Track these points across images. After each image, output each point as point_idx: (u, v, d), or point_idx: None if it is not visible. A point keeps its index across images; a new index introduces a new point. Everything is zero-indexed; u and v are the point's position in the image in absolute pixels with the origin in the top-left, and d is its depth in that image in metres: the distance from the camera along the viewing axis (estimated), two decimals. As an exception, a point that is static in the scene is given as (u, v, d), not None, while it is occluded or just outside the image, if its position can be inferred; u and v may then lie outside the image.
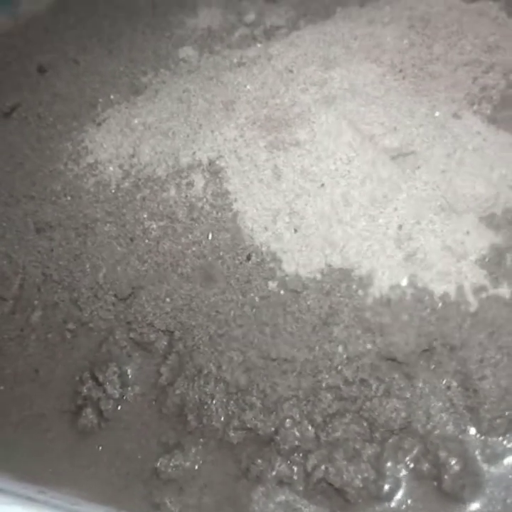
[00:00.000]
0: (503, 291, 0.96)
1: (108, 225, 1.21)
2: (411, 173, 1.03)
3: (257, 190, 1.08)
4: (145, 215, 1.17)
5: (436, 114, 1.07)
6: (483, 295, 0.96)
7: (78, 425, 1.10)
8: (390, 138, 1.04)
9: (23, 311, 1.22)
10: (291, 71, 1.19)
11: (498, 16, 1.25)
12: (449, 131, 1.06)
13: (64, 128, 1.41)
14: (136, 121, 1.30)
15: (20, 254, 1.26)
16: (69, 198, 1.27)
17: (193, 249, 1.12)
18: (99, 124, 1.37)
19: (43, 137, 1.41)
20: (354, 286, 1.00)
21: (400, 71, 1.12)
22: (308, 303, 1.01)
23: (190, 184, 1.15)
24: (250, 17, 1.47)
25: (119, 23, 1.60)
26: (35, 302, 1.22)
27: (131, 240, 1.16)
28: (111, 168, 1.26)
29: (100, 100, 1.43)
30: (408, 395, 0.97)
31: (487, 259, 0.97)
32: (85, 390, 1.12)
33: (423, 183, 1.02)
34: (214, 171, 1.13)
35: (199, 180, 1.14)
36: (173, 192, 1.16)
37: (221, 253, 1.09)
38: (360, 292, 0.99)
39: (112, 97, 1.43)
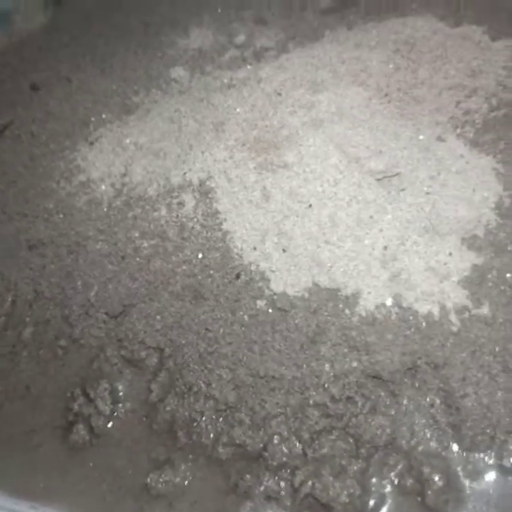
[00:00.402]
0: (485, 311, 0.98)
1: (100, 243, 1.22)
2: (396, 195, 1.06)
3: (246, 210, 1.11)
4: (136, 234, 1.19)
5: (421, 137, 1.10)
6: (466, 315, 0.98)
7: (69, 441, 1.11)
8: (376, 160, 1.07)
9: (15, 328, 1.23)
10: (279, 94, 1.21)
11: (481, 41, 1.28)
12: (432, 154, 1.08)
13: (57, 146, 1.43)
14: (127, 140, 1.32)
15: (13, 271, 1.27)
16: (61, 215, 1.29)
17: (184, 267, 1.14)
18: (91, 143, 1.39)
19: (35, 155, 1.43)
20: (341, 306, 1.02)
21: (386, 95, 1.15)
22: (296, 321, 1.03)
23: (180, 204, 1.17)
24: (240, 39, 1.50)
25: (112, 43, 1.62)
26: (27, 319, 1.23)
27: (123, 258, 1.18)
28: (103, 187, 1.28)
29: (92, 119, 1.46)
30: (393, 412, 0.98)
31: (469, 280, 1.00)
32: (76, 407, 1.13)
33: (407, 205, 1.05)
34: (204, 192, 1.16)
35: (189, 200, 1.16)
36: (164, 211, 1.18)
37: (211, 272, 1.12)
38: (347, 311, 1.01)
39: (104, 116, 1.45)
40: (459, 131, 1.12)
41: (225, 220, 1.12)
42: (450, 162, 1.07)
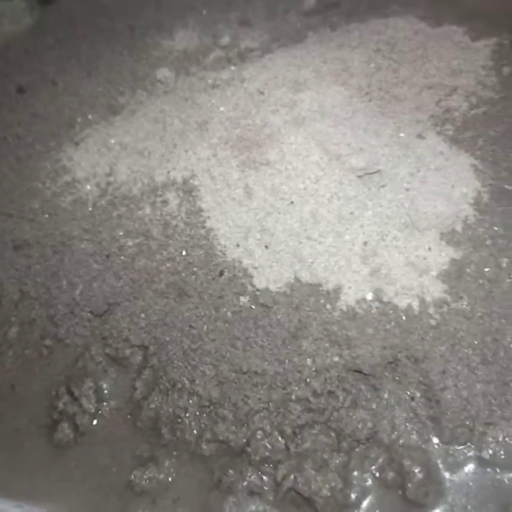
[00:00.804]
0: (463, 304, 0.99)
1: (85, 242, 1.23)
2: (376, 192, 1.07)
3: (229, 208, 1.12)
4: (121, 233, 1.20)
5: (401, 134, 1.11)
6: (445, 309, 0.99)
7: (54, 439, 1.11)
8: (357, 158, 1.08)
9: (0, 328, 1.23)
10: (262, 93, 1.23)
11: (461, 41, 1.30)
12: (412, 152, 1.10)
13: (42, 147, 1.43)
14: (113, 141, 1.33)
15: (-2, 271, 1.28)
16: (46, 215, 1.29)
17: (168, 265, 1.14)
18: (77, 144, 1.39)
19: (21, 156, 1.43)
20: (322, 301, 1.03)
21: (367, 94, 1.16)
22: (279, 317, 1.04)
23: (164, 202, 1.18)
24: (225, 40, 1.51)
25: (98, 45, 1.63)
26: (13, 319, 1.23)
27: (107, 256, 1.19)
28: (88, 187, 1.29)
29: (78, 120, 1.46)
30: (374, 406, 0.99)
31: (448, 275, 1.01)
32: (61, 405, 1.13)
33: (388, 201, 1.06)
34: (188, 190, 1.17)
35: (173, 199, 1.17)
36: (148, 210, 1.19)
37: (194, 269, 1.12)
38: (328, 306, 1.02)
39: (89, 117, 1.46)
40: (438, 129, 1.13)
41: (209, 217, 1.13)
42: (430, 159, 1.09)
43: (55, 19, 1.74)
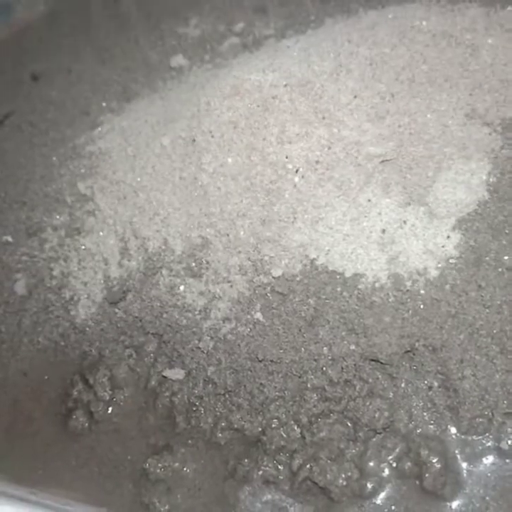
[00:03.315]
0: (482, 293, 0.98)
1: (100, 227, 1.23)
2: (395, 179, 1.05)
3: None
4: (135, 219, 1.19)
5: (419, 121, 1.09)
6: (463, 297, 0.98)
7: (69, 427, 1.12)
8: (376, 144, 1.06)
9: (15, 316, 1.24)
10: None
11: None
12: (434, 139, 1.08)
13: (57, 135, 1.43)
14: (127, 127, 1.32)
15: (12, 259, 1.28)
16: (61, 202, 1.30)
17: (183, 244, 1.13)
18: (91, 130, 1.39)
19: (35, 144, 1.44)
20: (339, 289, 1.02)
21: (396, 79, 1.13)
22: (295, 305, 1.03)
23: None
24: (240, 26, 1.50)
25: (112, 33, 1.62)
26: (27, 306, 1.23)
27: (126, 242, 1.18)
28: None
29: (93, 108, 1.46)
30: (391, 395, 0.98)
31: (467, 263, 1.00)
32: (76, 393, 1.13)
33: (407, 188, 1.05)
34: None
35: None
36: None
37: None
38: (345, 294, 1.01)
39: (104, 104, 1.46)
40: (465, 119, 1.10)
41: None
42: (450, 148, 1.07)
43: (69, 6, 1.73)
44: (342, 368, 1.00)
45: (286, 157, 1.04)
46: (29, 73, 1.60)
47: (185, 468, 1.04)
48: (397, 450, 0.96)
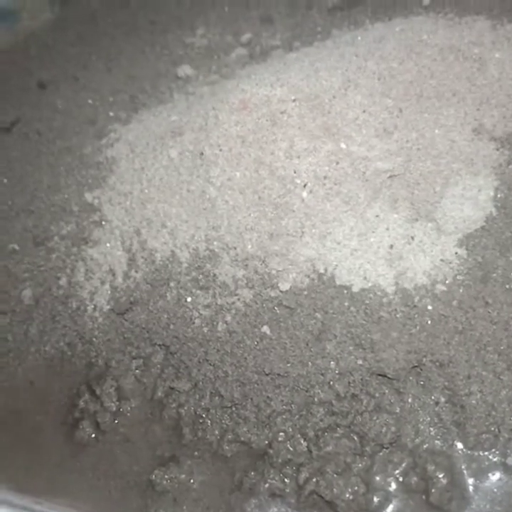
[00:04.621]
0: (489, 309, 0.98)
1: (107, 238, 1.23)
2: (403, 194, 1.06)
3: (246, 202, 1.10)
4: (145, 229, 1.19)
5: (427, 137, 1.10)
6: (471, 313, 0.99)
7: (75, 438, 1.12)
8: (384, 159, 1.07)
9: (22, 325, 1.24)
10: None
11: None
12: (441, 155, 1.08)
13: (64, 144, 1.43)
14: (134, 138, 1.33)
15: (19, 268, 1.28)
16: (68, 211, 1.30)
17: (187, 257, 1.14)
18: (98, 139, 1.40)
19: (42, 153, 1.44)
20: (346, 303, 1.02)
21: (404, 94, 1.13)
22: (302, 319, 1.03)
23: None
24: (247, 37, 1.50)
25: (119, 41, 1.63)
26: (34, 315, 1.24)
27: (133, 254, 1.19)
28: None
29: (100, 117, 1.46)
30: (398, 410, 0.99)
31: (475, 279, 1.00)
32: (82, 403, 1.14)
33: (414, 204, 1.05)
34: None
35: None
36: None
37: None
38: (352, 309, 1.02)
39: (111, 114, 1.46)
40: (473, 134, 1.10)
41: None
42: (457, 163, 1.07)
43: (76, 14, 1.74)
44: (349, 383, 1.00)
45: (295, 172, 1.05)
46: (36, 81, 1.60)
47: (191, 480, 1.04)
48: (404, 465, 0.97)
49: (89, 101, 1.51)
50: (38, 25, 1.74)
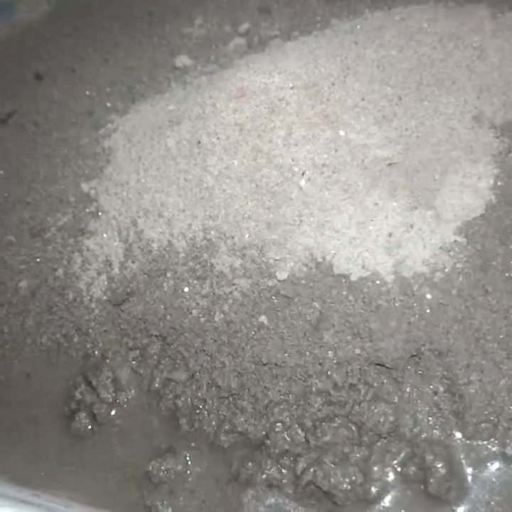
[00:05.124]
0: (489, 298, 0.98)
1: (103, 229, 1.22)
2: (402, 182, 1.05)
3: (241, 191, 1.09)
4: (141, 219, 1.19)
5: (427, 125, 1.09)
6: (470, 302, 0.98)
7: (71, 429, 1.11)
8: (383, 147, 1.06)
9: (18, 316, 1.23)
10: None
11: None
12: (441, 142, 1.07)
13: (60, 135, 1.42)
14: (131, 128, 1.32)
15: (15, 260, 1.28)
16: (64, 202, 1.29)
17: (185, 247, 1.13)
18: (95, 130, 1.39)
19: (39, 144, 1.43)
20: (344, 292, 1.02)
21: (404, 82, 1.12)
22: (300, 308, 1.03)
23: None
24: (245, 27, 1.49)
25: (115, 32, 1.61)
26: (30, 307, 1.23)
27: (130, 245, 1.18)
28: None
29: (97, 108, 1.45)
30: (396, 400, 0.98)
31: (474, 267, 0.99)
32: (79, 395, 1.13)
33: (413, 192, 1.04)
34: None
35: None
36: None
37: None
38: (351, 298, 1.01)
39: (108, 104, 1.45)
40: (473, 123, 1.09)
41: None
42: (457, 151, 1.06)
43: (72, 6, 1.72)
44: (347, 372, 0.99)
45: (293, 160, 1.04)
46: (33, 72, 1.59)
47: (188, 471, 1.04)
48: (402, 455, 0.96)
49: (86, 92, 1.50)
50: (35, 17, 1.73)
